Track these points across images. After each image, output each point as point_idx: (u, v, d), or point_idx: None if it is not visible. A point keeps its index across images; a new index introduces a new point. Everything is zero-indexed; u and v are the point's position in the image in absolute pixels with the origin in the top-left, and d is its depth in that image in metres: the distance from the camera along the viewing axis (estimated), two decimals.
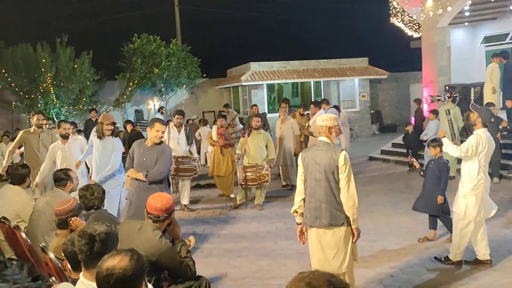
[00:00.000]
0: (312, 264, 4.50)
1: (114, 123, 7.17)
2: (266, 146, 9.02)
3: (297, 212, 4.57)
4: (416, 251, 6.33)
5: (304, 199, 4.49)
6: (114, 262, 2.30)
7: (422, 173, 6.90)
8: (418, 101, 13.13)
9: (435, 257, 5.96)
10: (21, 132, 8.56)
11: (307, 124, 10.10)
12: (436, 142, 6.65)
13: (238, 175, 8.79)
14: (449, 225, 6.52)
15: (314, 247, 4.47)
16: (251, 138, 8.97)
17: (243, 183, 8.73)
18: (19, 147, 8.64)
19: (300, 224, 4.59)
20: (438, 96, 10.97)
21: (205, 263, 6.15)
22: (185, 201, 9.01)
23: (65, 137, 7.77)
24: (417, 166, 6.95)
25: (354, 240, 4.36)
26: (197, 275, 4.00)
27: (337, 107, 11.85)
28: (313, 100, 20.25)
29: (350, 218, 4.27)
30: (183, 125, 9.06)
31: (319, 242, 4.40)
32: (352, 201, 4.23)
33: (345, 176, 4.22)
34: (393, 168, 13.01)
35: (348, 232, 4.34)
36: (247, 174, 8.65)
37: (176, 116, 9.04)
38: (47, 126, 8.85)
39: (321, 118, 4.48)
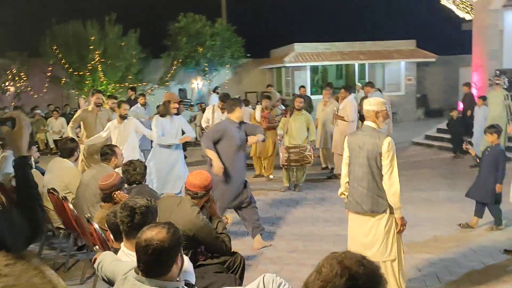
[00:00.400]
0: (349, 248, 4.44)
1: (181, 102, 7.47)
2: (307, 128, 9.02)
3: (344, 194, 4.53)
4: (455, 239, 6.24)
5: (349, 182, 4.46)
6: (152, 233, 2.41)
7: (478, 160, 6.74)
8: (468, 85, 12.73)
9: (505, 249, 5.69)
10: (79, 111, 8.68)
11: (335, 108, 10.01)
12: (493, 129, 6.49)
13: (280, 155, 8.78)
14: (497, 215, 6.38)
15: (355, 232, 4.42)
16: (293, 119, 8.96)
17: (285, 163, 8.73)
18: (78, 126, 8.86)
19: None
20: (497, 79, 10.63)
21: (242, 241, 6.29)
22: None
23: (123, 117, 7.90)
24: (473, 153, 6.79)
25: (397, 230, 4.26)
26: (232, 251, 4.11)
27: (379, 91, 11.66)
28: (356, 82, 20.03)
29: (393, 207, 4.18)
30: None
31: (360, 228, 4.35)
32: (393, 189, 4.12)
33: (387, 163, 4.11)
34: (437, 154, 12.74)
35: (391, 221, 4.24)
36: (290, 155, 8.67)
37: (219, 102, 9.17)
38: (109, 105, 8.92)
39: (368, 102, 4.33)
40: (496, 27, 13.25)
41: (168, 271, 2.43)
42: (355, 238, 4.43)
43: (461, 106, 12.75)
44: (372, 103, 4.29)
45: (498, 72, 12.80)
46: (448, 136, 12.60)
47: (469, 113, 11.62)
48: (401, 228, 4.25)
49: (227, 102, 6.46)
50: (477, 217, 6.58)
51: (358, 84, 15.39)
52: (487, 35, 13.15)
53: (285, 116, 9.16)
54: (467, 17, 15.28)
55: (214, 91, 18.34)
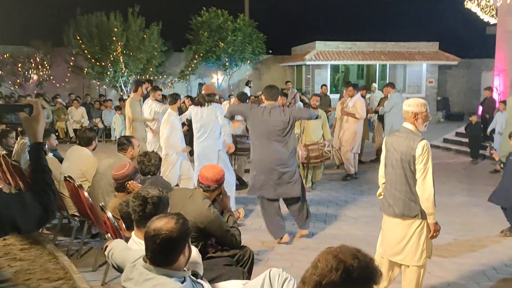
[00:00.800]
0: (378, 250, 4.40)
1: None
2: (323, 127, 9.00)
3: (382, 195, 4.46)
4: (469, 244, 6.18)
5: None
6: (161, 223, 2.47)
7: (501, 165, 6.68)
8: (490, 90, 12.58)
9: None
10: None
11: (343, 105, 9.99)
12: None
13: (300, 153, 8.48)
14: None
15: (386, 234, 4.35)
16: None
17: (305, 161, 8.56)
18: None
19: None
20: None
21: (253, 236, 6.32)
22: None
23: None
24: (497, 158, 6.74)
25: (430, 236, 4.13)
26: (242, 245, 4.16)
27: (398, 92, 11.57)
28: (376, 83, 19.91)
29: (425, 212, 4.08)
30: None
31: (392, 230, 4.27)
32: (427, 194, 4.00)
33: (421, 168, 3.98)
34: (454, 158, 12.61)
35: (423, 226, 4.13)
36: (309, 152, 8.52)
37: (236, 99, 9.20)
38: (155, 96, 8.91)
39: (408, 103, 4.14)
40: None
41: (175, 260, 2.49)
42: (386, 240, 4.36)
43: (480, 110, 12.61)
44: (411, 104, 4.11)
45: None
46: (466, 140, 12.47)
47: (487, 116, 11.51)
48: (434, 234, 4.13)
49: (271, 90, 6.33)
50: None
51: (374, 85, 15.30)
52: (510, 39, 12.95)
53: None
54: (492, 20, 15.05)
55: (246, 84, 18.19)
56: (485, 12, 14.67)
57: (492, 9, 14.47)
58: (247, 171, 9.75)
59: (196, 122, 7.19)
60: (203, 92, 7.27)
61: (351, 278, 1.68)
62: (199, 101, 7.18)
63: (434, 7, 30.61)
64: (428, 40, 21.67)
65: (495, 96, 12.70)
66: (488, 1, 14.22)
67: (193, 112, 7.23)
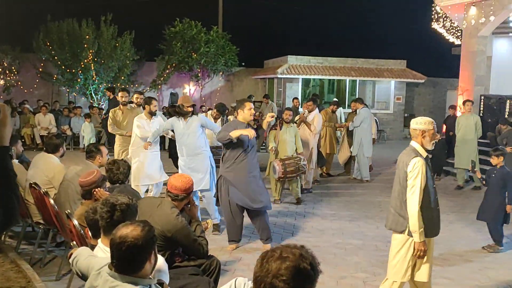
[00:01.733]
0: None
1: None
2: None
3: None
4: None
5: None
6: (127, 231, 2.47)
7: (484, 182, 6.88)
8: (454, 108, 12.97)
9: None
10: (111, 113, 8.55)
11: (298, 118, 10.18)
12: (499, 151, 6.65)
13: (277, 168, 8.41)
14: (496, 234, 6.53)
15: None
16: (283, 131, 8.91)
17: (282, 176, 8.47)
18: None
19: None
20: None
21: (221, 247, 6.34)
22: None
23: (152, 113, 7.69)
24: (479, 176, 6.96)
25: (413, 254, 4.11)
26: (209, 255, 4.18)
27: (366, 106, 11.76)
28: (346, 97, 20.30)
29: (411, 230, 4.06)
30: (221, 117, 9.22)
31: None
32: (411, 211, 4.02)
33: (410, 184, 4.04)
34: None
35: (408, 243, 4.12)
36: (286, 166, 8.44)
37: (215, 110, 9.21)
38: (137, 100, 8.59)
39: (415, 121, 4.21)
40: (484, 53, 13.47)
41: (141, 268, 2.49)
42: None
43: (444, 128, 12.98)
44: (418, 122, 4.17)
45: (482, 97, 13.10)
46: (429, 156, 12.77)
47: (451, 133, 11.90)
48: (418, 253, 4.08)
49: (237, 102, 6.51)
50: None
51: (335, 100, 15.61)
52: (475, 60, 13.38)
53: (275, 129, 9.12)
54: (457, 42, 15.54)
55: (248, 98, 18.00)
56: (450, 33, 15.17)
57: (457, 30, 14.97)
58: None
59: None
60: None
61: (309, 275, 1.87)
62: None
63: (403, 26, 31.47)
64: (396, 58, 22.23)
65: (459, 114, 13.08)
66: (453, 23, 14.69)
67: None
